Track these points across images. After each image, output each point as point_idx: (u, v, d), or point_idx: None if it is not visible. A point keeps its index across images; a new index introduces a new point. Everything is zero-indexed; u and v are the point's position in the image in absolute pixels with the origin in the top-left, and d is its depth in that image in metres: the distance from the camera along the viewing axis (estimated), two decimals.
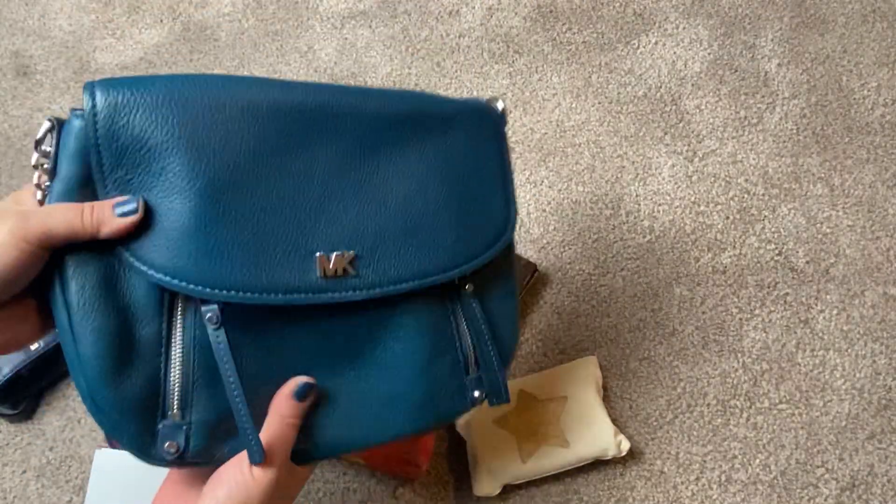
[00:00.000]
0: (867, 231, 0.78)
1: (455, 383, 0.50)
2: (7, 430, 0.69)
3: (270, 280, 0.41)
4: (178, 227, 0.39)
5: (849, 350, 0.73)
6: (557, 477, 0.67)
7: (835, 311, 0.74)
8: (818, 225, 0.78)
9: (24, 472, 0.68)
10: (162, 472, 0.64)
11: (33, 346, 0.67)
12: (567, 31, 0.90)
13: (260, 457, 0.39)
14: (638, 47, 0.89)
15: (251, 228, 0.41)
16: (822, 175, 0.81)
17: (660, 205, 0.80)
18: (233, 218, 0.40)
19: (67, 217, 0.37)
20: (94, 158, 0.38)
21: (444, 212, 0.48)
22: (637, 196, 0.80)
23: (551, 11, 0.92)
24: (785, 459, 0.68)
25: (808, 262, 0.77)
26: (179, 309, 0.40)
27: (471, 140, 0.51)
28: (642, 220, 0.79)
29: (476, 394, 0.51)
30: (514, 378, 0.71)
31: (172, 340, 0.40)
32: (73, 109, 0.39)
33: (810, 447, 0.69)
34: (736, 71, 0.87)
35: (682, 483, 0.67)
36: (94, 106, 0.39)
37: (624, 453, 0.65)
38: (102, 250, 0.38)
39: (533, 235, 0.78)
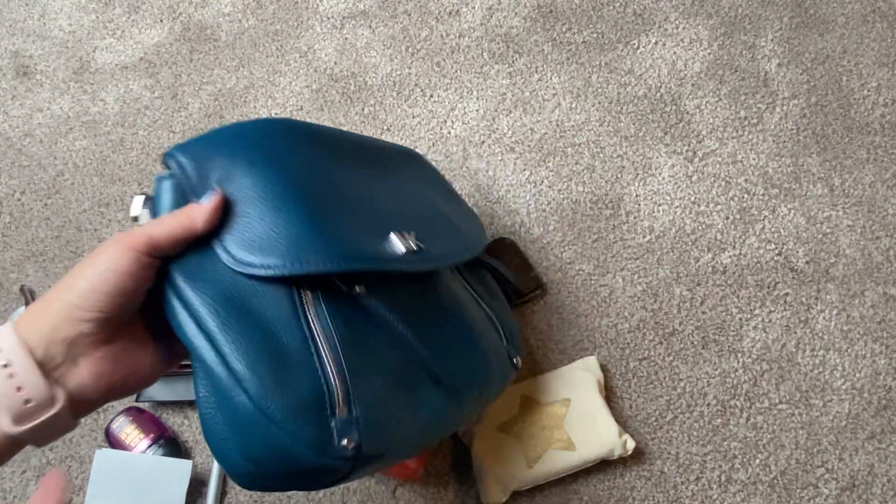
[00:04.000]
0: (867, 231, 0.78)
1: (502, 352, 0.59)
2: None
3: (367, 251, 0.45)
4: (264, 224, 0.42)
5: (849, 350, 0.73)
6: (558, 477, 0.67)
7: (835, 311, 0.74)
8: (818, 225, 0.78)
9: (24, 472, 0.68)
10: (161, 472, 0.64)
11: None
12: (567, 31, 0.90)
13: None
14: (638, 47, 0.89)
15: (329, 218, 0.45)
16: (822, 175, 0.81)
17: (660, 205, 0.80)
18: (311, 211, 0.44)
19: (164, 221, 0.40)
20: (191, 199, 0.43)
21: (445, 212, 0.59)
22: (637, 196, 0.80)
23: (551, 11, 0.92)
24: (785, 459, 0.68)
25: (808, 262, 0.77)
26: (309, 311, 0.42)
27: (426, 172, 0.64)
28: (642, 220, 0.79)
29: (516, 360, 0.60)
30: (515, 382, 0.71)
31: (318, 339, 0.41)
32: (158, 176, 0.44)
33: (810, 447, 0.69)
34: (736, 71, 0.87)
35: (682, 483, 0.67)
36: (181, 164, 0.44)
37: (629, 452, 0.65)
38: (219, 275, 0.41)
39: (533, 235, 0.78)
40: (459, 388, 0.51)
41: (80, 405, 0.40)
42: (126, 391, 0.42)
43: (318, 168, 0.47)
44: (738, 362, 0.72)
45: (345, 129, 0.85)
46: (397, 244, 0.48)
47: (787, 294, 0.75)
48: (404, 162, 0.61)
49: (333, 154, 0.50)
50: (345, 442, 0.39)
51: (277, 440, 0.37)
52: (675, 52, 0.88)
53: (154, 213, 0.43)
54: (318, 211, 0.44)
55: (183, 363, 0.51)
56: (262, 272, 0.40)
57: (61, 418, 0.38)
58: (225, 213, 0.42)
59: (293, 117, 0.86)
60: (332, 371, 0.40)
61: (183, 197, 0.42)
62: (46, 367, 0.38)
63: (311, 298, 0.42)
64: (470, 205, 0.80)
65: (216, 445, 0.39)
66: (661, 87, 0.86)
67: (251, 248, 0.41)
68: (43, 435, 0.38)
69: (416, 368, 0.48)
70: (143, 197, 0.44)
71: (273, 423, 0.37)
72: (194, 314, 0.39)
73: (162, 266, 0.41)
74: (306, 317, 0.41)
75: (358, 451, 0.39)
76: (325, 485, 0.40)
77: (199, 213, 0.41)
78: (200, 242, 0.41)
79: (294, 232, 0.42)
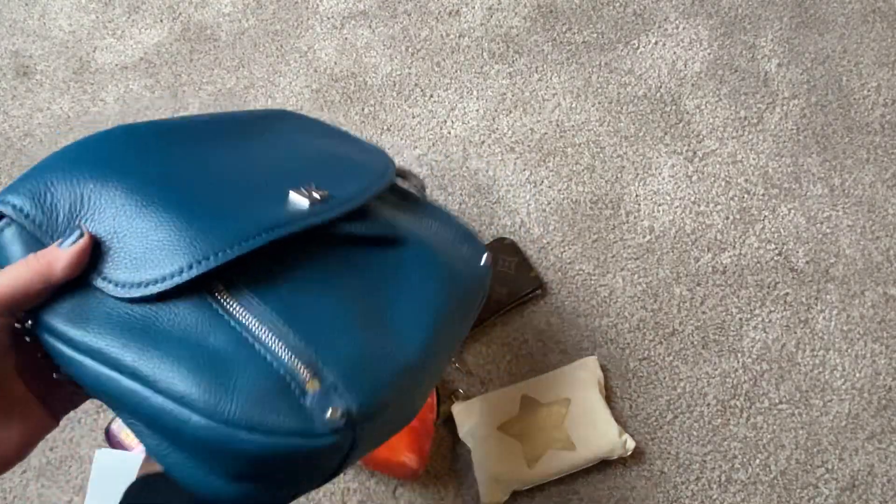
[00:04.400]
0: (867, 231, 0.78)
1: (465, 253, 0.55)
2: None
3: (268, 220, 0.41)
4: (141, 239, 0.38)
5: (849, 350, 0.73)
6: (558, 477, 0.67)
7: (835, 311, 0.74)
8: (818, 225, 0.78)
9: (24, 472, 0.68)
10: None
11: None
12: (567, 31, 0.90)
13: None
14: (638, 47, 0.89)
15: (211, 204, 0.40)
16: (822, 175, 0.81)
17: (660, 205, 0.80)
18: (188, 204, 0.40)
19: (16, 271, 0.34)
20: (46, 241, 0.38)
21: (341, 153, 0.55)
22: (637, 196, 0.80)
23: (551, 11, 0.92)
24: (785, 459, 0.68)
25: (808, 262, 0.77)
26: (229, 302, 0.38)
27: (303, 123, 0.59)
28: (642, 220, 0.79)
29: (484, 257, 0.56)
30: (515, 382, 0.71)
31: (250, 325, 0.38)
32: None
33: (810, 447, 0.69)
34: (736, 71, 0.87)
35: (682, 483, 0.67)
36: (17, 207, 0.38)
37: (629, 452, 0.65)
38: (111, 310, 0.37)
39: (533, 235, 0.78)
40: (432, 308, 0.47)
41: None
42: None
43: (176, 160, 0.43)
44: (738, 362, 0.72)
45: (344, 128, 0.85)
46: (299, 200, 0.44)
47: (787, 294, 0.75)
48: (275, 120, 0.57)
49: (190, 140, 0.46)
50: (328, 413, 0.35)
51: (254, 444, 0.34)
52: (675, 52, 0.88)
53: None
54: (193, 201, 0.40)
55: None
56: (159, 288, 0.36)
57: None
58: (92, 240, 0.37)
59: None
60: (280, 349, 0.37)
61: (33, 241, 0.38)
62: None
63: (225, 291, 0.38)
64: (470, 205, 0.80)
65: (195, 483, 0.36)
66: (661, 87, 0.86)
67: (136, 267, 0.37)
68: None
69: (381, 302, 0.45)
70: None
71: (239, 428, 0.34)
72: (104, 358, 0.35)
73: (30, 319, 0.36)
74: (227, 309, 0.38)
75: (349, 414, 0.36)
76: (337, 467, 0.37)
77: (59, 258, 0.35)
78: (72, 283, 0.36)
79: (175, 233, 0.38)
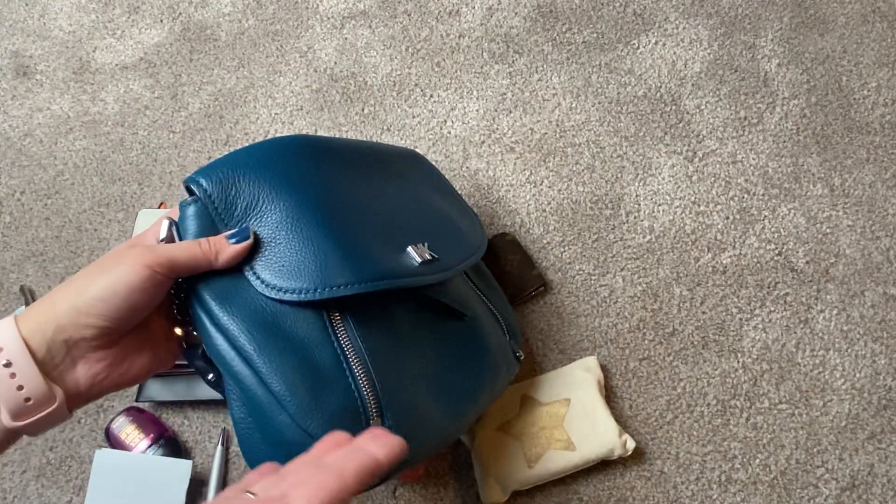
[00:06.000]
0: (867, 231, 0.78)
1: (506, 347, 0.61)
2: None
3: (390, 269, 0.47)
4: (293, 252, 0.43)
5: (849, 350, 0.73)
6: (558, 477, 0.67)
7: (835, 311, 0.74)
8: (818, 225, 0.78)
9: (24, 472, 0.68)
10: (161, 472, 0.64)
11: None
12: (567, 31, 0.90)
13: None
14: (638, 47, 0.89)
15: (352, 238, 0.46)
16: (822, 175, 0.81)
17: (660, 205, 0.80)
18: (335, 232, 0.46)
19: (188, 247, 0.41)
20: (219, 227, 0.44)
21: (448, 214, 0.60)
22: (637, 196, 0.80)
23: (551, 11, 0.92)
24: (785, 459, 0.68)
25: (808, 262, 0.77)
26: (339, 329, 0.44)
27: (427, 172, 0.65)
28: (642, 220, 0.79)
29: (519, 353, 0.63)
30: (514, 382, 0.71)
31: (348, 355, 0.43)
32: (183, 203, 0.44)
33: (810, 447, 0.69)
34: (736, 71, 0.87)
35: (682, 483, 0.67)
36: (205, 189, 0.44)
37: (630, 452, 0.65)
38: (251, 299, 0.42)
39: (533, 235, 0.78)
40: (474, 387, 0.53)
41: (75, 400, 0.41)
42: (118, 388, 0.43)
43: (334, 185, 0.49)
44: (738, 362, 0.72)
45: (344, 129, 0.85)
46: (414, 257, 0.50)
47: (787, 294, 0.75)
48: (407, 164, 0.62)
49: (343, 166, 0.52)
50: None
51: None
52: (675, 52, 0.88)
53: (180, 238, 0.44)
54: (341, 233, 0.46)
55: (178, 363, 0.52)
56: (293, 297, 0.42)
57: (57, 413, 0.39)
58: (255, 241, 0.44)
59: (293, 117, 0.86)
60: (363, 384, 0.42)
61: (209, 222, 0.44)
62: (46, 367, 0.39)
63: (339, 317, 0.44)
64: (470, 204, 0.80)
65: (253, 453, 0.41)
66: (661, 87, 0.86)
67: (282, 274, 0.42)
68: (39, 428, 0.39)
69: (439, 370, 0.50)
70: (168, 222, 0.45)
71: (313, 438, 0.39)
72: (231, 338, 0.41)
73: (188, 283, 0.42)
74: (336, 335, 0.43)
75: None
76: (367, 489, 0.43)
77: (225, 250, 0.42)
78: (231, 267, 0.43)
79: (321, 257, 0.43)
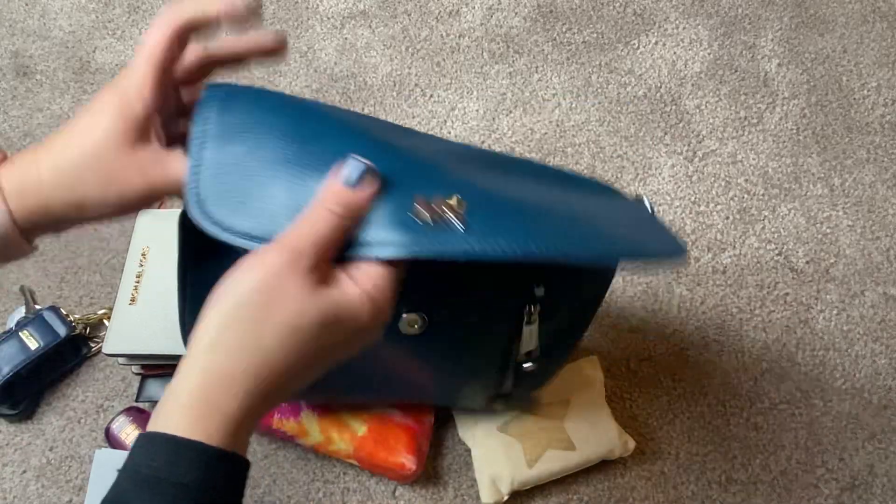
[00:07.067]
0: (867, 231, 0.78)
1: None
2: (7, 430, 0.69)
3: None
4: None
5: (849, 350, 0.73)
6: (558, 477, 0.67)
7: (835, 311, 0.74)
8: (818, 225, 0.78)
9: (24, 472, 0.68)
10: None
11: (32, 346, 0.67)
12: (567, 31, 0.90)
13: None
14: (638, 47, 0.89)
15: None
16: (822, 175, 0.81)
17: (660, 205, 0.80)
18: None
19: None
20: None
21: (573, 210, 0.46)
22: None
23: (551, 11, 0.92)
24: (785, 459, 0.68)
25: (808, 262, 0.77)
26: None
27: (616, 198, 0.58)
28: None
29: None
30: None
31: None
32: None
33: (810, 447, 0.69)
34: (736, 71, 0.87)
35: (682, 483, 0.67)
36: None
37: (630, 452, 0.65)
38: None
39: None
40: None
41: (35, 212, 0.37)
42: (100, 209, 0.39)
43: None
44: (738, 362, 0.72)
45: None
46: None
47: (787, 294, 0.75)
48: (591, 189, 0.56)
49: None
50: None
51: None
52: (675, 52, 0.88)
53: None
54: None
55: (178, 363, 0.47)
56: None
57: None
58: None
59: None
60: None
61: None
62: None
63: None
64: None
65: None
66: (661, 87, 0.86)
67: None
68: None
69: None
70: None
71: None
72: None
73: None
74: None
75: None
76: None
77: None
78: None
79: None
